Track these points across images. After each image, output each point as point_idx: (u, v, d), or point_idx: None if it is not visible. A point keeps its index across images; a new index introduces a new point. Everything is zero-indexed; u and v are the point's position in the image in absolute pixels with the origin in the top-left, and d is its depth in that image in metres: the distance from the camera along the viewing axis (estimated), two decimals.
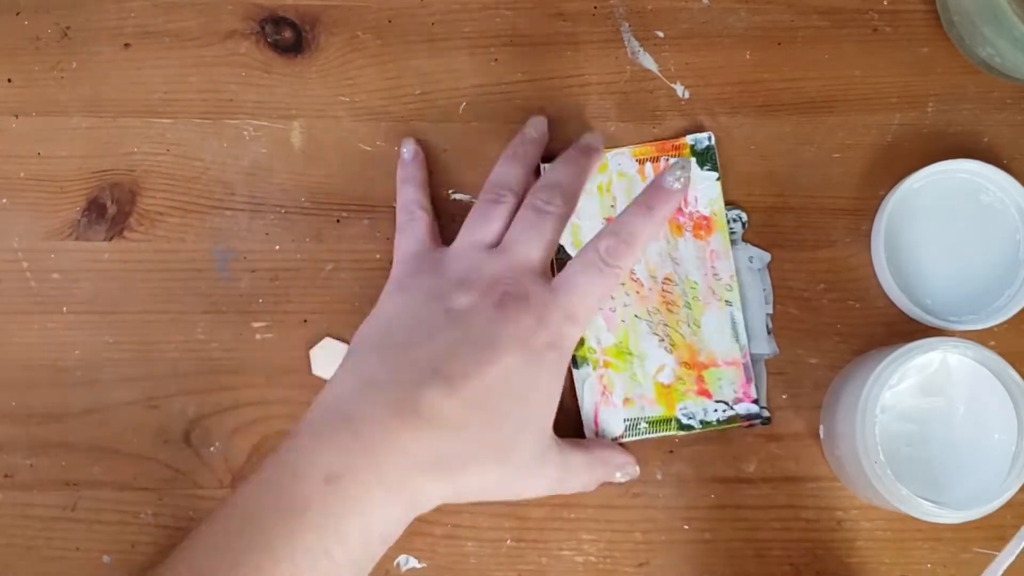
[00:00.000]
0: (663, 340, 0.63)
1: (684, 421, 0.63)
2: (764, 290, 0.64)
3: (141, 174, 0.64)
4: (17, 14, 0.65)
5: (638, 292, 0.63)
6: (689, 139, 0.64)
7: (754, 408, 0.63)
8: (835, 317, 0.64)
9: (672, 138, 0.64)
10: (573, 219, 0.62)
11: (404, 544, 0.63)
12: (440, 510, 0.62)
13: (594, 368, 0.63)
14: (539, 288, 0.56)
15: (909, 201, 0.63)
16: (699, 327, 0.63)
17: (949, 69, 0.66)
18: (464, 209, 0.64)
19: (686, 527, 0.63)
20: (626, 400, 0.63)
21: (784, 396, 0.64)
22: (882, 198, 0.64)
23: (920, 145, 0.65)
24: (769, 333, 0.64)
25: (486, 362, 0.53)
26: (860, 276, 0.65)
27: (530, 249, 0.57)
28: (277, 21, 0.65)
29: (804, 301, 0.64)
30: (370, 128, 0.65)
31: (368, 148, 0.65)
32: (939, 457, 0.59)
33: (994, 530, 0.62)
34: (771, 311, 0.64)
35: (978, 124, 0.66)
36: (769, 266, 0.65)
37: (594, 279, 0.56)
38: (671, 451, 0.63)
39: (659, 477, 0.63)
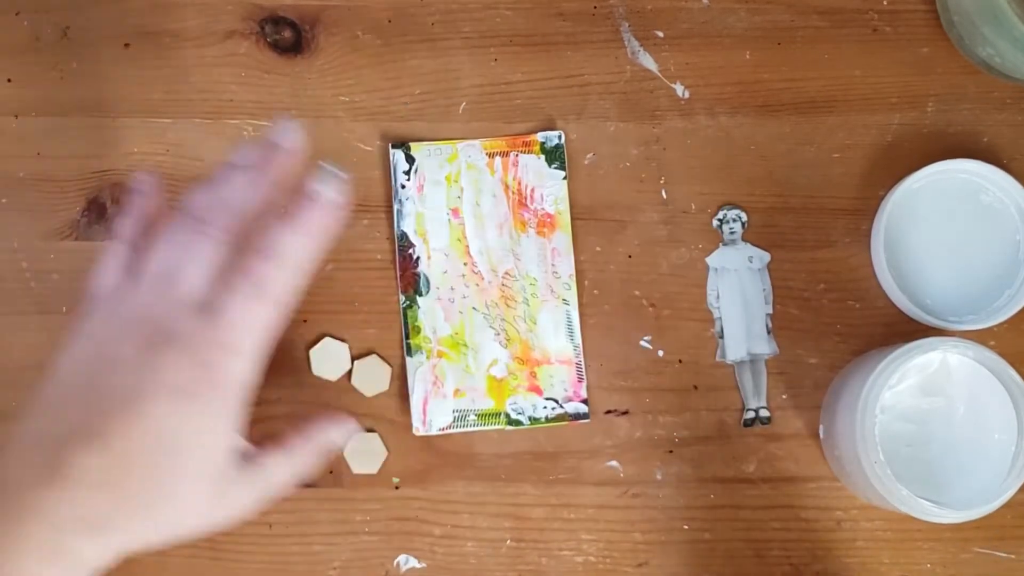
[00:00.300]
0: (499, 334, 0.63)
1: (513, 416, 0.63)
2: (764, 290, 0.64)
3: None
4: (17, 14, 0.65)
5: (478, 285, 0.63)
6: (540, 136, 0.64)
7: (583, 408, 0.63)
8: (835, 317, 0.64)
9: (524, 135, 0.64)
10: (419, 208, 0.63)
11: (404, 544, 0.63)
12: (440, 510, 0.63)
13: (428, 357, 0.63)
14: (193, 323, 0.49)
15: (909, 201, 0.63)
16: (535, 324, 0.63)
17: (949, 69, 0.66)
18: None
19: (686, 527, 0.63)
20: (457, 391, 0.63)
21: (784, 396, 0.64)
22: (882, 198, 0.64)
23: (920, 145, 0.65)
24: (769, 333, 0.64)
25: (134, 414, 0.48)
26: (860, 276, 0.65)
27: (177, 271, 0.50)
28: (277, 21, 0.65)
29: (804, 301, 0.64)
30: (370, 128, 0.65)
31: (368, 148, 0.65)
32: (939, 457, 0.59)
33: (994, 530, 0.62)
34: (771, 311, 0.64)
35: (978, 124, 0.66)
36: (769, 266, 0.65)
37: (252, 306, 0.49)
38: (671, 451, 0.63)
39: (659, 477, 0.63)
